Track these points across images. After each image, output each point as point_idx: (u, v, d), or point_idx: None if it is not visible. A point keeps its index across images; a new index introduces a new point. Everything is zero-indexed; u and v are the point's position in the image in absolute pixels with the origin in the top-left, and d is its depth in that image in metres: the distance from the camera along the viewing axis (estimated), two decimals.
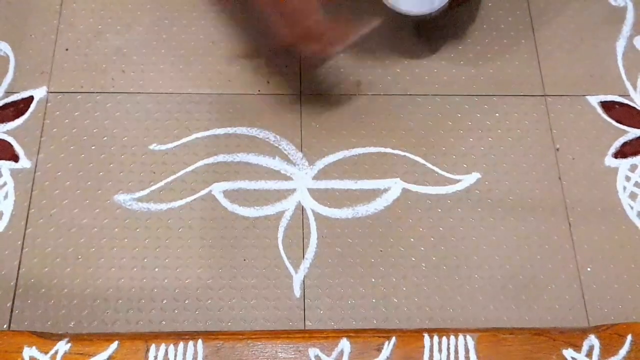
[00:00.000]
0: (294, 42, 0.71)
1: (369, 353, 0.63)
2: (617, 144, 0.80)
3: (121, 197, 0.75)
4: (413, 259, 0.74)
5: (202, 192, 0.76)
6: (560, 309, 0.72)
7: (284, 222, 0.75)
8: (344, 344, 0.64)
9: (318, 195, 0.76)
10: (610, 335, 0.65)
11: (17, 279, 0.71)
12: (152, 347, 0.63)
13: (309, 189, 0.77)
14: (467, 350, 0.64)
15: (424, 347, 0.64)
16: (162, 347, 0.63)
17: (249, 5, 0.73)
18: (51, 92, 0.81)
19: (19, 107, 0.79)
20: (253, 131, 0.80)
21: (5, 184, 0.75)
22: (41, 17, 0.85)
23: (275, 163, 0.78)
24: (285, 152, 0.78)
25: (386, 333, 0.65)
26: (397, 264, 0.73)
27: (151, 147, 0.78)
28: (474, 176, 0.78)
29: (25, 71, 0.82)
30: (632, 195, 0.78)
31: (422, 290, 0.72)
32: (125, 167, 0.77)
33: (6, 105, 0.79)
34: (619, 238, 0.75)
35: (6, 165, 0.76)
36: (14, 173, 0.76)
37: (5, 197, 0.75)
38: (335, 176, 0.77)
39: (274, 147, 0.79)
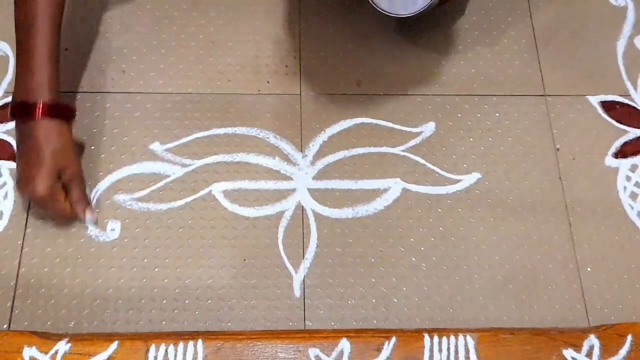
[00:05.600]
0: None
1: (369, 353, 0.63)
2: (618, 143, 0.80)
3: (121, 197, 0.75)
4: (413, 259, 0.74)
5: (202, 192, 0.76)
6: (560, 309, 0.72)
7: (284, 222, 0.75)
8: (344, 344, 0.64)
9: (318, 195, 0.76)
10: (611, 335, 0.65)
11: (17, 278, 0.71)
12: (152, 347, 0.63)
13: (309, 189, 0.76)
14: (467, 351, 0.64)
15: (424, 347, 0.64)
16: (162, 347, 0.63)
17: None
18: None
19: None
20: (253, 131, 0.79)
21: (5, 183, 0.75)
22: None
23: (275, 163, 0.78)
24: (285, 152, 0.78)
25: (386, 333, 0.65)
26: (397, 264, 0.73)
27: (151, 146, 0.78)
28: (474, 176, 0.78)
29: None
30: (633, 195, 0.77)
31: (422, 290, 0.72)
32: (125, 167, 0.77)
33: (6, 105, 0.79)
34: (619, 238, 0.75)
35: (6, 165, 0.76)
36: (13, 173, 0.75)
37: (5, 197, 0.74)
38: (335, 176, 0.77)
39: (274, 147, 0.79)
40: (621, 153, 0.80)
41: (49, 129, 0.69)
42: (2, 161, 0.76)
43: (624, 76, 0.85)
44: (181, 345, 0.63)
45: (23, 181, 0.69)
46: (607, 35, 0.87)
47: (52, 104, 0.69)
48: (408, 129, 0.80)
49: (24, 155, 0.70)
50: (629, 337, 0.65)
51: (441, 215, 0.76)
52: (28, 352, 0.62)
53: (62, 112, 0.70)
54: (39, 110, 0.68)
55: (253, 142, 0.79)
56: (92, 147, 0.78)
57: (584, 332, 0.65)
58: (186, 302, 0.71)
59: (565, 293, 0.72)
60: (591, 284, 0.73)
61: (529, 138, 0.81)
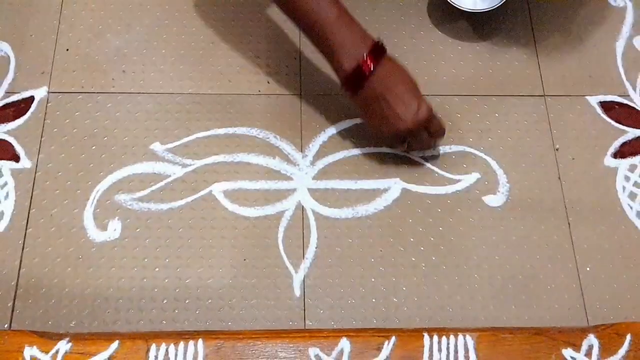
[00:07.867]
0: (410, 131, 0.72)
1: (369, 352, 0.63)
2: (617, 144, 0.81)
3: (122, 197, 0.75)
4: (413, 259, 0.74)
5: (203, 192, 0.76)
6: (559, 309, 0.72)
7: (284, 222, 0.75)
8: (344, 344, 0.64)
9: (318, 195, 0.76)
10: (610, 335, 0.65)
11: (18, 278, 0.71)
12: (153, 347, 0.63)
13: (309, 189, 0.77)
14: (466, 350, 0.64)
15: (423, 346, 0.64)
16: (163, 346, 0.63)
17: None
18: (52, 92, 0.81)
19: (19, 107, 0.79)
20: (253, 131, 0.80)
21: (6, 183, 0.75)
22: (42, 18, 0.85)
23: (275, 163, 0.78)
24: (285, 152, 0.79)
25: (386, 332, 0.65)
26: (397, 263, 0.73)
27: (152, 147, 0.78)
28: (474, 176, 0.78)
29: (25, 71, 0.82)
30: (632, 195, 0.78)
31: (421, 289, 0.72)
32: (125, 167, 0.77)
33: (7, 106, 0.79)
34: (618, 238, 0.75)
35: (7, 165, 0.76)
36: (14, 173, 0.76)
37: (6, 197, 0.75)
38: (335, 176, 0.78)
39: (274, 147, 0.79)
40: (620, 153, 0.80)
41: (393, 66, 0.71)
42: (3, 161, 0.76)
43: (623, 76, 0.85)
44: (181, 344, 0.63)
45: (402, 116, 0.70)
46: (606, 35, 0.88)
47: (378, 46, 0.70)
48: None
49: (389, 98, 0.70)
50: (628, 337, 0.65)
51: (441, 215, 0.76)
52: (29, 351, 0.62)
53: (383, 48, 0.71)
54: (375, 58, 0.69)
55: (253, 142, 0.79)
56: (93, 147, 0.78)
57: (583, 332, 0.65)
58: (186, 301, 0.71)
59: (564, 293, 0.73)
60: (590, 284, 0.73)
61: (528, 138, 0.81)
